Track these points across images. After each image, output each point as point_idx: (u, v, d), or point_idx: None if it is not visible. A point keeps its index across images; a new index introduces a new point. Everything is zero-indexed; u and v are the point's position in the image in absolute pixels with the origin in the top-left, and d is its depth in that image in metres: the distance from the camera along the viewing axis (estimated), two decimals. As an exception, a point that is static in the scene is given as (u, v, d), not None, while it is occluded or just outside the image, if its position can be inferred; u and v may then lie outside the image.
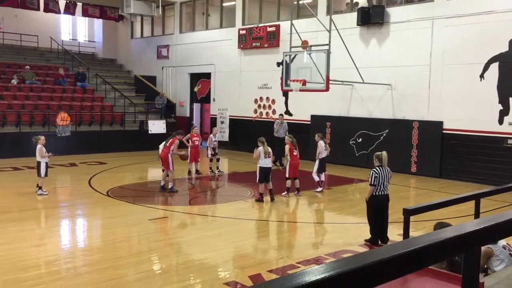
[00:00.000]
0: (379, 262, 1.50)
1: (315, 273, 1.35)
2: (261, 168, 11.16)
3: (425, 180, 14.67)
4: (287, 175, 11.80)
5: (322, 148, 12.32)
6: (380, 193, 7.99)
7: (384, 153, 8.21)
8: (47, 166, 11.58)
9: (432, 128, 15.17)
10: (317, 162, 12.43)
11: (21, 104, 19.04)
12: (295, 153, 11.75)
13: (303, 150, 14.72)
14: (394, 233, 8.25)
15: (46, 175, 11.55)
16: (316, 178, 12.43)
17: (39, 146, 11.50)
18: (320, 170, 12.41)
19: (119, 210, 10.46)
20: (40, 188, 11.49)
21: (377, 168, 8.02)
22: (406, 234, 4.52)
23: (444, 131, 14.99)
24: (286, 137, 11.91)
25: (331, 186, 13.68)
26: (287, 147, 11.69)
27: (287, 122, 17.65)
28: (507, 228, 2.02)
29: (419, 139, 15.48)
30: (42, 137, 11.76)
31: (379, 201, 8.03)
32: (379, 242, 8.12)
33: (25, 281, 6.22)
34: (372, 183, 7.96)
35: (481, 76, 14.17)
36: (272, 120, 18.64)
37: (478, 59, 14.12)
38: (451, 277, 2.98)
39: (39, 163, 11.49)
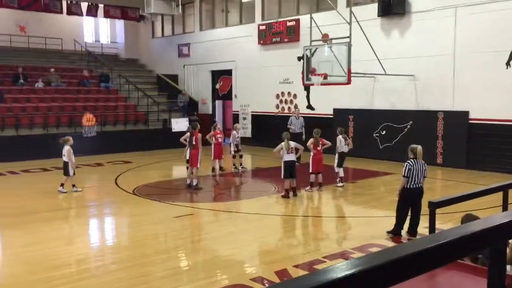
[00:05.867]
0: (407, 257, 1.49)
1: (338, 271, 1.35)
2: (285, 162, 11.15)
3: (452, 171, 14.45)
4: (310, 170, 11.78)
5: (341, 143, 12.27)
6: (413, 186, 7.92)
7: (419, 147, 8.12)
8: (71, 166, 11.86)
9: (457, 118, 14.90)
10: (336, 156, 12.39)
11: (48, 106, 19.43)
12: (318, 148, 11.74)
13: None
14: (421, 225, 8.16)
15: (74, 173, 11.90)
16: (341, 174, 12.39)
17: (67, 148, 11.75)
18: (340, 164, 12.36)
19: (145, 208, 10.61)
20: (62, 185, 11.78)
21: (411, 160, 7.96)
22: (432, 227, 4.48)
23: (470, 121, 14.71)
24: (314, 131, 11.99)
25: (356, 180, 13.60)
26: (310, 140, 11.71)
27: (303, 117, 17.45)
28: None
29: (445, 129, 15.23)
30: (71, 138, 12.02)
31: (411, 194, 7.97)
32: (408, 236, 8.05)
33: (57, 279, 6.37)
34: (406, 174, 7.89)
35: (507, 64, 13.85)
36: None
37: (503, 46, 13.80)
38: (478, 270, 2.95)
39: (66, 163, 11.74)
